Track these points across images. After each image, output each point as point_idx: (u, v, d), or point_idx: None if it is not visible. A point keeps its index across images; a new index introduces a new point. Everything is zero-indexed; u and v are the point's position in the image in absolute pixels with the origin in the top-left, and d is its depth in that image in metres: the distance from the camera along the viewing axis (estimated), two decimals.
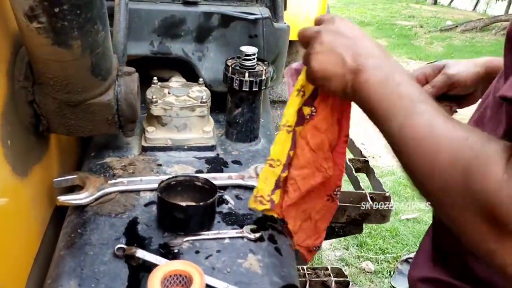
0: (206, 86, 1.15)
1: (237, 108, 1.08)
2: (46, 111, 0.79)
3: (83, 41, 0.69)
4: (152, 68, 1.26)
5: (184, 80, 1.21)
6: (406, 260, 2.36)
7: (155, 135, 1.03)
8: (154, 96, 1.02)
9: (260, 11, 1.16)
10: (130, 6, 1.04)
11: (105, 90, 0.81)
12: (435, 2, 16.99)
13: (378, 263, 2.50)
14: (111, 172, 0.96)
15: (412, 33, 10.87)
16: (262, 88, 1.05)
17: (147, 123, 1.06)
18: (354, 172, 1.92)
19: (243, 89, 1.03)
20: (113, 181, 0.90)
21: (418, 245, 0.81)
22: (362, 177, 1.62)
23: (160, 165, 1.01)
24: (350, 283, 1.58)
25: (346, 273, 2.52)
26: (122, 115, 0.86)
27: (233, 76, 1.02)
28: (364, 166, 1.64)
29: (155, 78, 1.10)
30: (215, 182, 0.90)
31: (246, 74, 1.01)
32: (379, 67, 0.59)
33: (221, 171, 1.01)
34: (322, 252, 2.62)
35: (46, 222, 0.89)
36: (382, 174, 3.30)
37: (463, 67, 0.80)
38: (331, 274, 1.54)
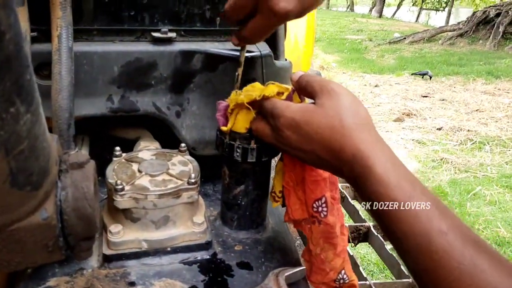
0: (189, 150, 0.83)
1: (238, 185, 0.76)
2: None
3: None
4: (111, 126, 0.92)
5: (156, 143, 0.88)
6: None
7: (123, 236, 0.70)
8: (118, 180, 0.68)
9: (257, 47, 0.86)
10: (77, 49, 0.70)
11: (39, 205, 0.48)
12: (380, 15, 17.55)
13: None
14: None
15: (363, 47, 11.03)
16: (275, 155, 0.75)
17: (109, 218, 0.72)
18: (350, 199, 1.64)
19: (249, 160, 0.72)
20: None
21: None
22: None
23: (132, 284, 0.67)
24: None
25: None
26: (72, 233, 0.52)
27: (233, 142, 0.71)
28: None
29: (117, 148, 0.76)
30: None
31: (252, 140, 0.71)
32: None
33: (225, 283, 0.69)
34: None
35: None
36: None
37: None
38: None
